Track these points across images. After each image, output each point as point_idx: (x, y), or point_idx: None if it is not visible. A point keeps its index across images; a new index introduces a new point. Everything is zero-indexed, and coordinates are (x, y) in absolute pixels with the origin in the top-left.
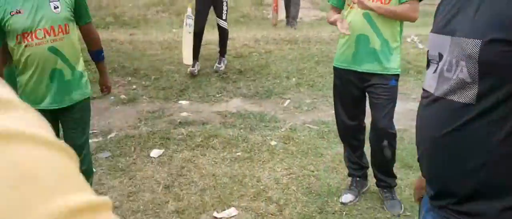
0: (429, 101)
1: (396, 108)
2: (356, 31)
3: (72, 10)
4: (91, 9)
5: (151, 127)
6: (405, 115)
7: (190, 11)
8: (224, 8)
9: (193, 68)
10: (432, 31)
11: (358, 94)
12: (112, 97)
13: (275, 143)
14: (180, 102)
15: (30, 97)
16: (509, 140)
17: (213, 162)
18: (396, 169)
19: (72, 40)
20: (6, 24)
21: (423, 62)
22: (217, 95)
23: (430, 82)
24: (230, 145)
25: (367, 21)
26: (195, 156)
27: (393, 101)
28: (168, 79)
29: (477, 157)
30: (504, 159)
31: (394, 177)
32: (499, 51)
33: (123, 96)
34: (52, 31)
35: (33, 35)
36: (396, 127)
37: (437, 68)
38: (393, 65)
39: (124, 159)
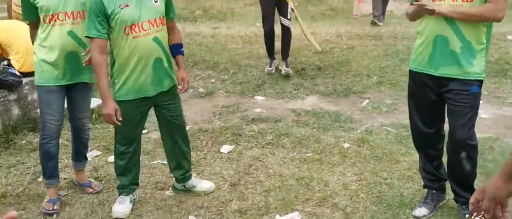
0: None
1: (488, 114)
2: (434, 31)
3: (164, 5)
4: (182, 1)
5: (225, 122)
6: (497, 121)
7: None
8: (289, 8)
9: (270, 68)
10: None
11: (435, 99)
12: (191, 90)
13: (348, 145)
14: (255, 97)
15: (133, 87)
16: None
17: (281, 162)
18: (481, 183)
19: (166, 31)
20: (116, 17)
21: None
22: (294, 92)
23: None
24: (300, 145)
25: (446, 21)
26: (264, 154)
27: (474, 109)
28: (246, 74)
29: None
30: None
31: None
32: None
33: (201, 90)
34: (155, 22)
35: (140, 26)
36: (486, 135)
37: None
38: (476, 69)
39: (195, 153)
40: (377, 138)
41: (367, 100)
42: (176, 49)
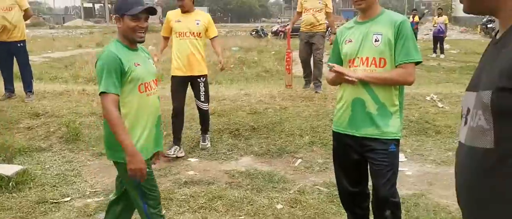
0: (461, 152)
1: (412, 171)
2: (352, 95)
3: None
4: None
5: None
6: (421, 178)
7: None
8: (202, 89)
9: (170, 151)
10: (466, 89)
11: (358, 158)
12: None
13: (281, 206)
14: (189, 159)
15: (143, 148)
16: None
17: None
18: None
19: None
20: (132, 74)
21: (443, 122)
22: (228, 153)
23: (462, 134)
24: (233, 208)
25: (362, 84)
26: None
27: (393, 167)
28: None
29: (502, 204)
30: None
31: None
32: (507, 98)
33: None
34: (156, 82)
35: (150, 85)
36: (411, 191)
37: (466, 121)
38: (392, 129)
39: None
40: (309, 198)
41: (299, 160)
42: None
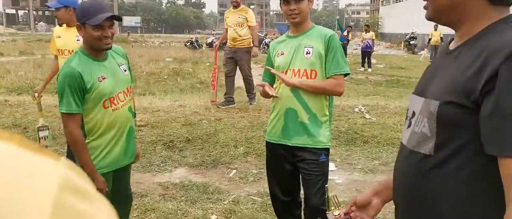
0: (402, 153)
1: (341, 179)
2: (284, 104)
3: (130, 72)
4: (43, 72)
5: None
6: (350, 186)
7: (42, 121)
8: None
9: None
10: (413, 92)
11: (290, 169)
12: None
13: (216, 217)
14: None
15: (108, 160)
16: (465, 186)
17: None
18: None
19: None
20: (95, 90)
21: (370, 132)
22: (161, 165)
23: (404, 135)
24: None
25: (294, 95)
26: None
27: (324, 177)
28: None
29: (438, 204)
30: (460, 207)
31: None
32: (452, 112)
33: None
34: (128, 92)
35: (117, 98)
36: (341, 199)
37: (410, 124)
38: (322, 139)
39: None
40: (244, 208)
41: (234, 171)
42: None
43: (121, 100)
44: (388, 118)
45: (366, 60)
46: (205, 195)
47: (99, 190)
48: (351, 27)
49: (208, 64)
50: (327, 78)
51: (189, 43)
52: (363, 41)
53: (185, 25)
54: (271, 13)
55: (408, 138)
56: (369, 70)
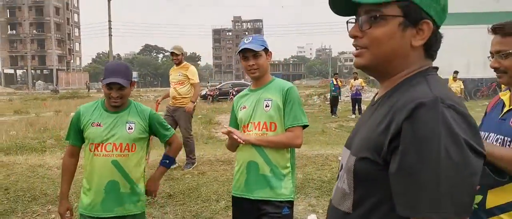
0: (329, 208)
1: None
2: (246, 158)
3: (147, 132)
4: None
5: None
6: None
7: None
8: None
9: None
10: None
11: None
12: None
13: None
14: None
15: (87, 203)
16: None
17: None
18: None
19: (136, 159)
20: (86, 132)
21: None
22: None
23: (334, 189)
24: None
25: (255, 148)
26: None
27: None
28: None
29: None
30: None
31: None
32: (366, 168)
33: None
34: (120, 147)
35: (104, 147)
36: None
37: (338, 177)
38: (284, 191)
39: None
40: None
41: None
42: (163, 159)
43: (107, 151)
44: None
45: (356, 107)
46: None
47: (59, 213)
48: (337, 73)
49: (200, 116)
50: (286, 130)
51: None
52: (352, 89)
53: None
54: None
55: (334, 193)
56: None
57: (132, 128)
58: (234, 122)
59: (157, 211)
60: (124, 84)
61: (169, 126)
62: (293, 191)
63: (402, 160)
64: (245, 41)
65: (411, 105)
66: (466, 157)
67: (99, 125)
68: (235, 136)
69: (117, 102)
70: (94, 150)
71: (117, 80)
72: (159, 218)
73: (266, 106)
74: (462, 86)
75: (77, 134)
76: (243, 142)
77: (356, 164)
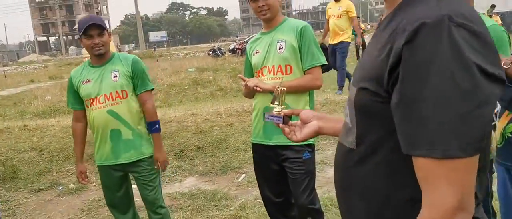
0: (337, 145)
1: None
2: (264, 103)
3: (130, 79)
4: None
5: (93, 218)
6: (328, 184)
7: None
8: None
9: None
10: None
11: (277, 168)
12: (60, 187)
13: None
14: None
15: (99, 154)
16: (387, 183)
17: None
18: None
19: (130, 104)
20: (80, 91)
21: None
22: (172, 175)
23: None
24: None
25: (272, 94)
26: None
27: (310, 174)
28: None
29: (361, 199)
30: (383, 203)
31: None
32: (367, 99)
33: (72, 185)
34: (111, 96)
35: (97, 100)
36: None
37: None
38: None
39: None
40: (250, 213)
41: (243, 175)
42: (148, 128)
43: (100, 102)
44: None
45: None
46: (212, 203)
47: (77, 177)
48: (359, 17)
49: (229, 70)
50: (304, 71)
51: (211, 52)
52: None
53: (210, 34)
54: (294, 13)
55: (342, 130)
56: None
57: (117, 76)
58: (249, 69)
59: (187, 164)
60: (102, 23)
61: (150, 82)
62: None
63: (401, 91)
64: None
65: (413, 26)
66: (476, 85)
67: (88, 81)
68: (250, 85)
69: (100, 49)
70: (91, 105)
71: (94, 21)
72: (189, 171)
73: (280, 48)
74: (500, 22)
75: (76, 98)
76: (260, 90)
77: (356, 96)
